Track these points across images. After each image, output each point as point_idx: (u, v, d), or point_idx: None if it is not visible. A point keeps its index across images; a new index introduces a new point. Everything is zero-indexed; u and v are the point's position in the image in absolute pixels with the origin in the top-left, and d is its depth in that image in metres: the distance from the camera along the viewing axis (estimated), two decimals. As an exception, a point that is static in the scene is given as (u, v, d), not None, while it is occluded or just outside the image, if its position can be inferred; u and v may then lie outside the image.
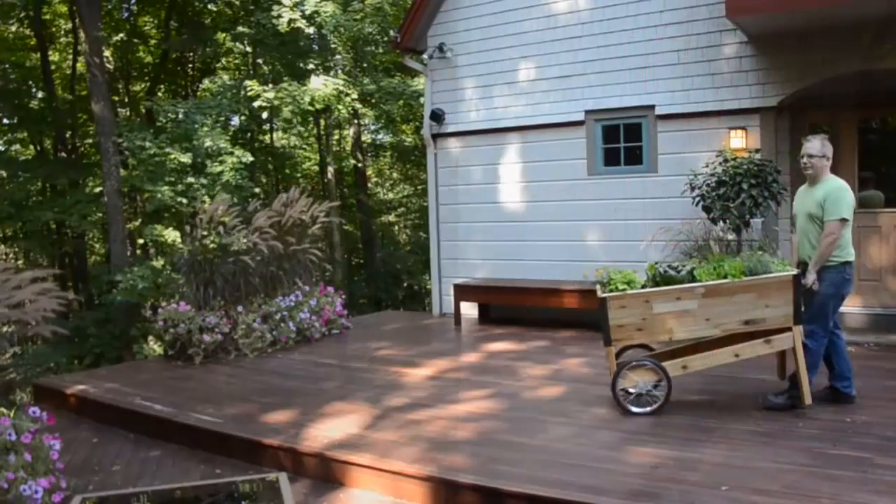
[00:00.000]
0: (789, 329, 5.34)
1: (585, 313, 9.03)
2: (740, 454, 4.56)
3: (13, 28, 20.13)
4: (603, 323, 5.56)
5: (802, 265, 5.54)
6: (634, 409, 5.53)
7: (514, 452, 4.78)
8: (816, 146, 5.45)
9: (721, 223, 7.77)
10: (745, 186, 7.46)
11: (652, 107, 8.78)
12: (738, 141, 8.13)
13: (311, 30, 15.90)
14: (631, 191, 9.02)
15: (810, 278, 5.38)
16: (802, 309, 5.37)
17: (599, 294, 5.59)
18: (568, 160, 9.43)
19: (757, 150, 8.06)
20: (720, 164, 7.84)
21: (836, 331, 5.60)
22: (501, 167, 9.99)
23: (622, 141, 9.13)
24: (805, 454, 4.52)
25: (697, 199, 7.89)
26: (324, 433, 5.30)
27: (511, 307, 9.74)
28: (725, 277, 5.38)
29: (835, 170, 5.63)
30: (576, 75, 9.31)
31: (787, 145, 8.46)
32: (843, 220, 5.28)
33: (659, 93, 8.75)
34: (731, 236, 7.80)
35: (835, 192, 5.33)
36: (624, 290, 5.55)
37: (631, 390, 5.55)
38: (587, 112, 9.22)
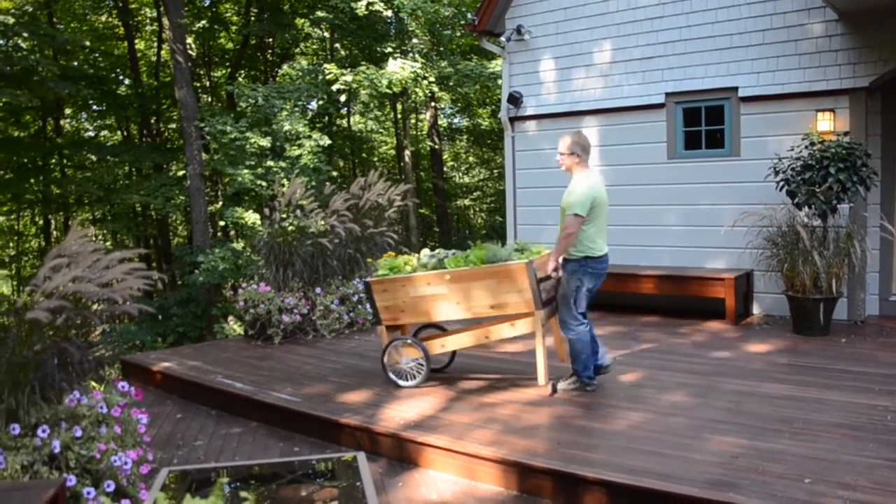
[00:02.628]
0: (532, 314, 5.74)
1: (663, 298, 8.90)
2: (824, 446, 4.41)
3: (103, 18, 20.84)
4: (371, 304, 6.22)
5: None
6: (401, 382, 6.10)
7: (589, 438, 4.74)
8: (566, 143, 5.66)
9: (806, 209, 7.51)
10: (832, 171, 7.18)
11: (735, 89, 8.51)
12: (826, 123, 7.83)
13: (388, 13, 15.97)
14: (712, 175, 8.80)
15: (549, 267, 5.64)
16: (544, 296, 5.79)
17: (366, 279, 6.30)
18: (647, 143, 9.24)
19: (846, 133, 7.75)
20: (806, 147, 7.58)
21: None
22: (578, 150, 9.85)
23: (703, 124, 8.90)
24: (894, 449, 4.35)
25: (781, 183, 7.64)
26: (399, 414, 5.36)
27: (586, 292, 9.64)
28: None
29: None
30: (656, 57, 9.11)
31: (878, 128, 8.11)
32: (577, 216, 5.44)
33: (742, 74, 8.48)
34: (816, 222, 7.54)
35: (577, 190, 5.52)
36: (385, 275, 6.13)
37: (402, 366, 6.10)
38: (668, 94, 9.02)
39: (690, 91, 8.86)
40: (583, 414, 5.23)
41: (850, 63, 7.83)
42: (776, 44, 8.25)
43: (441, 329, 6.63)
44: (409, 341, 6.10)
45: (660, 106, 9.08)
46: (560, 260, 5.64)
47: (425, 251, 6.57)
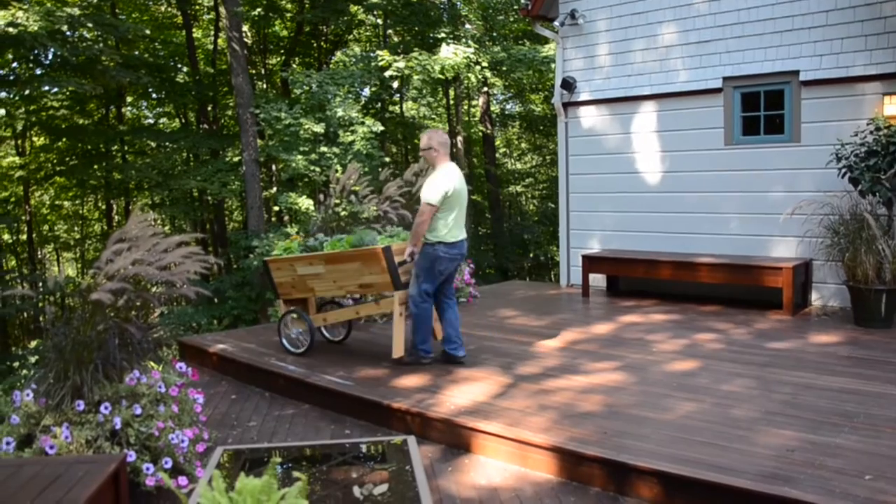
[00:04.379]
0: (392, 294, 6.34)
1: (720, 287, 8.76)
2: (886, 442, 4.28)
3: (162, 8, 21.24)
4: (269, 281, 7.04)
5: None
6: (291, 350, 6.90)
7: (642, 427, 4.69)
8: (423, 141, 6.25)
9: (870, 196, 7.30)
10: (899, 157, 6.96)
11: (796, 72, 8.30)
12: (894, 108, 7.59)
13: (441, -2, 15.94)
14: (770, 161, 8.60)
15: (406, 252, 6.13)
16: (405, 279, 6.29)
17: (265, 258, 7.08)
18: (704, 129, 9.08)
19: (914, 118, 7.51)
20: (871, 132, 7.35)
21: (446, 300, 6.43)
22: (634, 136, 9.73)
23: (762, 109, 8.70)
24: (960, 444, 4.21)
25: (844, 170, 7.44)
26: (451, 399, 5.38)
27: (640, 279, 9.53)
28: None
29: None
30: (714, 40, 8.92)
31: (949, 112, 7.83)
32: (430, 205, 5.94)
33: (804, 57, 8.26)
34: (881, 210, 7.32)
35: (433, 182, 6.03)
36: (279, 255, 6.93)
37: (292, 335, 6.90)
38: (725, 79, 8.83)
39: (749, 75, 8.66)
40: (636, 403, 5.18)
41: (920, 45, 7.58)
42: (841, 25, 8.01)
43: (339, 305, 7.32)
44: (295, 315, 6.90)
45: (717, 91, 8.90)
46: (418, 245, 6.14)
47: (320, 235, 7.35)
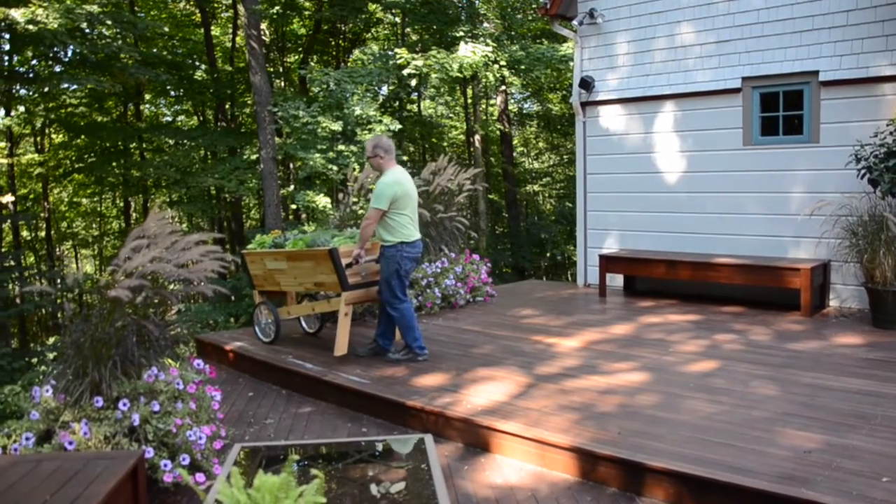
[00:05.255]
0: (338, 295, 6.62)
1: (738, 288, 8.71)
2: (905, 444, 4.26)
3: (180, 6, 21.36)
4: (245, 272, 7.45)
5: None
6: (262, 338, 7.39)
7: (660, 427, 4.67)
8: (368, 147, 6.45)
9: (889, 197, 7.23)
10: (920, 158, 6.89)
11: (815, 73, 8.23)
12: (914, 108, 7.52)
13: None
14: (789, 162, 8.54)
15: (354, 253, 6.40)
16: (352, 280, 6.53)
17: (241, 251, 7.39)
18: (723, 129, 9.03)
19: (935, 119, 7.43)
20: (891, 133, 7.28)
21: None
22: (652, 136, 9.69)
23: (781, 109, 8.64)
24: (982, 448, 4.17)
25: (863, 171, 7.38)
26: (468, 398, 5.38)
27: (658, 280, 9.49)
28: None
29: None
30: (733, 40, 8.86)
31: (971, 113, 7.75)
32: (375, 209, 6.19)
33: (823, 57, 8.19)
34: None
35: (379, 186, 6.25)
36: (253, 249, 7.27)
37: (262, 324, 7.39)
38: (744, 79, 8.77)
39: (768, 75, 8.59)
40: (654, 403, 5.16)
41: (942, 45, 7.50)
42: (862, 25, 7.93)
43: (313, 298, 7.57)
44: (266, 307, 7.37)
45: (736, 91, 8.85)
46: (364, 248, 6.44)
47: (293, 231, 7.73)
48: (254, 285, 7.46)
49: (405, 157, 16.87)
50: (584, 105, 10.30)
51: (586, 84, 10.10)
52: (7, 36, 14.76)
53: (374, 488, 3.06)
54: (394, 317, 6.47)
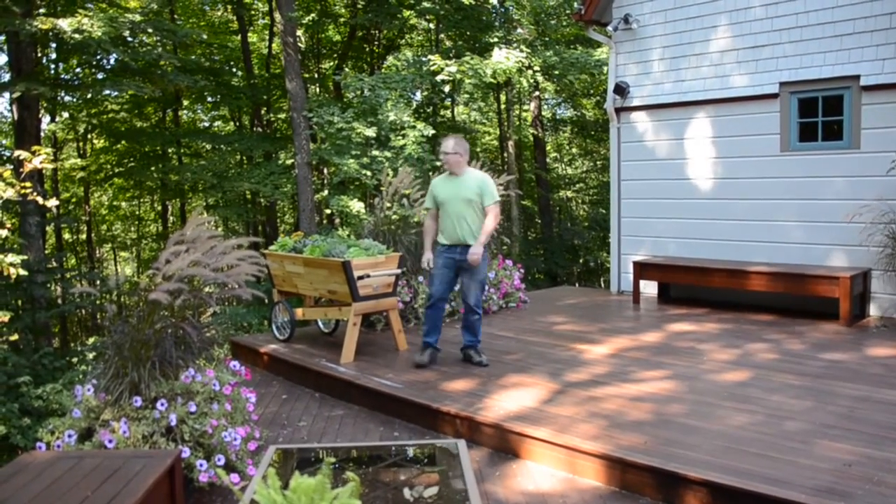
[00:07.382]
0: (349, 304, 6.74)
1: (774, 296, 8.60)
2: (947, 457, 4.18)
3: (218, 13, 21.66)
4: (268, 271, 7.46)
5: (461, 245, 6.34)
6: (278, 335, 7.77)
7: (692, 436, 4.64)
8: (450, 145, 6.37)
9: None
10: (963, 165, 6.77)
11: (856, 77, 8.11)
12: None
13: (494, 1, 15.92)
14: (829, 168, 8.43)
15: (476, 251, 6.22)
16: (363, 292, 6.73)
17: (263, 251, 7.58)
18: (760, 135, 8.93)
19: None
20: (934, 140, 7.16)
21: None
22: (688, 142, 9.62)
23: (820, 115, 8.53)
24: None
25: (906, 178, 7.27)
26: (500, 404, 5.38)
27: (693, 287, 9.41)
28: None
29: None
30: (770, 45, 8.77)
31: None
32: (498, 203, 6.35)
33: (865, 62, 8.08)
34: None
35: (490, 183, 6.32)
36: (275, 250, 7.57)
37: (278, 322, 7.78)
38: (782, 84, 8.68)
39: (806, 80, 8.49)
40: (687, 412, 5.12)
41: None
42: (904, 29, 7.82)
43: (330, 302, 7.60)
44: (283, 306, 7.73)
45: (773, 96, 8.76)
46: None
47: (315, 236, 7.93)
48: (273, 284, 7.78)
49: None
50: (618, 111, 10.26)
51: (621, 90, 10.06)
52: (54, 45, 15.09)
53: (406, 492, 3.08)
54: (478, 317, 6.55)
